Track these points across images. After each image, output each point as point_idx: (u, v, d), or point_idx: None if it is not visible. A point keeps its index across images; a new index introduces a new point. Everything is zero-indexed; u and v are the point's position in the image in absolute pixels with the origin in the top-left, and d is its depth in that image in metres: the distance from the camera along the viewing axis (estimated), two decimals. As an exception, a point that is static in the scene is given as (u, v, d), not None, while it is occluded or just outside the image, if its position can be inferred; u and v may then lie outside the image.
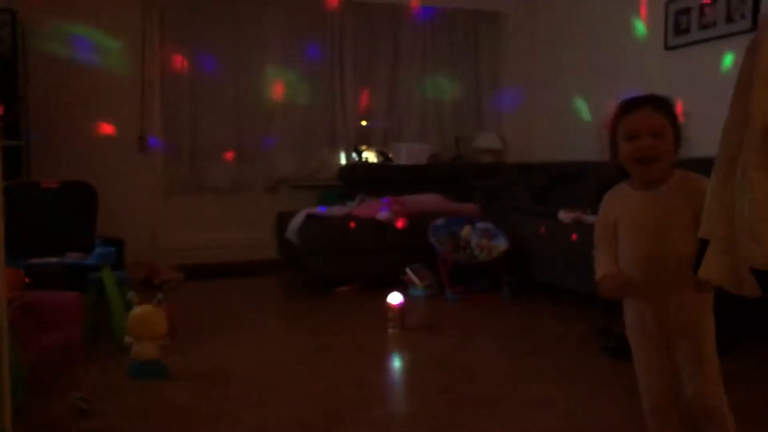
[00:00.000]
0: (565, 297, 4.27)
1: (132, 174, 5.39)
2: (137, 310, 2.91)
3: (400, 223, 4.86)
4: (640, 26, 5.09)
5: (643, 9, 5.05)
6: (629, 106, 1.78)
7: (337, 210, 5.00)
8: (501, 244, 4.58)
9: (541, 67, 6.35)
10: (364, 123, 6.10)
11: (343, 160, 6.04)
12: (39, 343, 2.74)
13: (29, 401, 2.46)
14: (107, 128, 5.33)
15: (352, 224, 4.82)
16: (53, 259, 3.48)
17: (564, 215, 4.45)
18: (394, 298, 3.71)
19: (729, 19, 4.34)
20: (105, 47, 5.29)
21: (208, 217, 5.65)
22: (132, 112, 5.41)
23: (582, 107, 5.70)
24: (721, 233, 1.43)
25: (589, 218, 4.27)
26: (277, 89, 5.78)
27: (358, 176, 5.71)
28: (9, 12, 4.63)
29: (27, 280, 3.17)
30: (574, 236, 4.04)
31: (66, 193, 4.29)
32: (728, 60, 4.29)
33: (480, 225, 4.74)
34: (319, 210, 4.97)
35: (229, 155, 5.68)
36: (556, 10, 6.15)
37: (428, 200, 5.25)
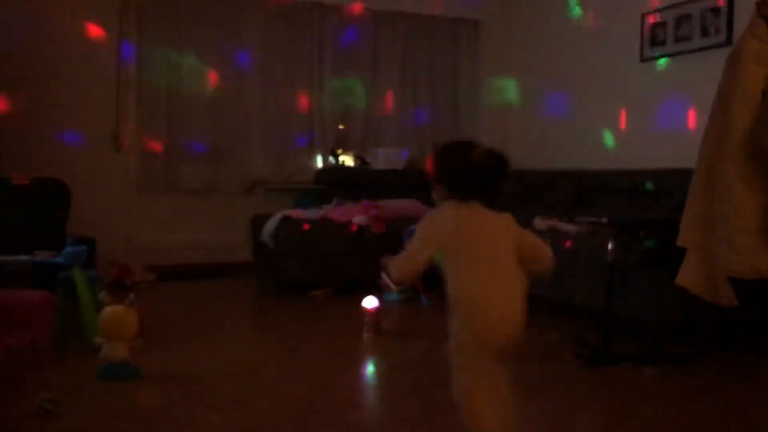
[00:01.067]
0: (539, 305, 4.28)
1: (106, 172, 5.31)
2: (108, 311, 2.87)
3: (379, 228, 4.84)
4: (615, 36, 5.15)
5: (619, 20, 5.11)
6: None
7: (313, 213, 4.97)
8: (476, 250, 4.58)
9: (518, 75, 6.39)
10: (341, 127, 6.09)
11: (320, 164, 6.02)
12: (6, 343, 2.68)
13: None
14: (81, 125, 5.24)
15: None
16: (22, 257, 3.41)
17: (540, 223, 4.48)
18: (369, 303, 3.69)
19: (704, 33, 4.41)
20: (80, 43, 5.21)
21: (182, 218, 5.58)
22: (107, 110, 5.33)
23: (558, 116, 5.74)
24: (699, 242, 1.44)
25: (566, 226, 4.30)
26: (254, 90, 5.75)
27: (335, 180, 5.69)
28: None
29: (-6, 278, 3.11)
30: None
31: (37, 189, 4.22)
32: (703, 73, 4.35)
33: (455, 231, 4.73)
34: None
35: (205, 155, 5.62)
36: (533, 18, 6.20)
37: (404, 205, 5.25)
